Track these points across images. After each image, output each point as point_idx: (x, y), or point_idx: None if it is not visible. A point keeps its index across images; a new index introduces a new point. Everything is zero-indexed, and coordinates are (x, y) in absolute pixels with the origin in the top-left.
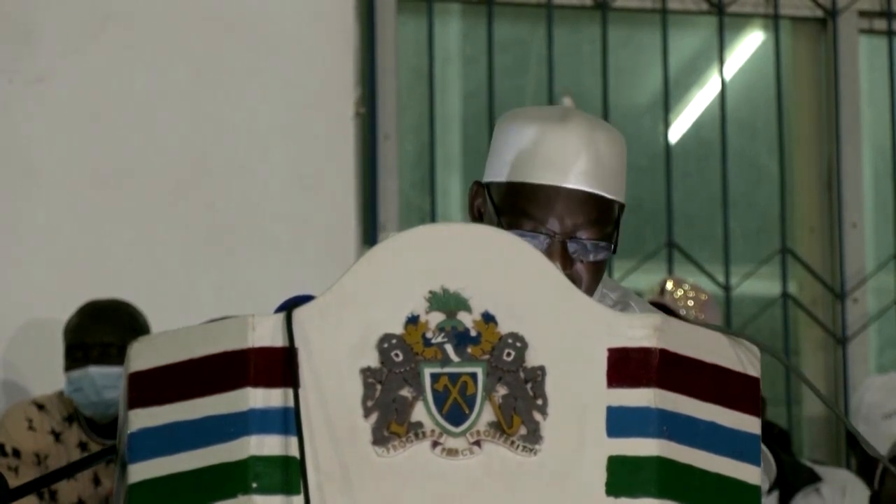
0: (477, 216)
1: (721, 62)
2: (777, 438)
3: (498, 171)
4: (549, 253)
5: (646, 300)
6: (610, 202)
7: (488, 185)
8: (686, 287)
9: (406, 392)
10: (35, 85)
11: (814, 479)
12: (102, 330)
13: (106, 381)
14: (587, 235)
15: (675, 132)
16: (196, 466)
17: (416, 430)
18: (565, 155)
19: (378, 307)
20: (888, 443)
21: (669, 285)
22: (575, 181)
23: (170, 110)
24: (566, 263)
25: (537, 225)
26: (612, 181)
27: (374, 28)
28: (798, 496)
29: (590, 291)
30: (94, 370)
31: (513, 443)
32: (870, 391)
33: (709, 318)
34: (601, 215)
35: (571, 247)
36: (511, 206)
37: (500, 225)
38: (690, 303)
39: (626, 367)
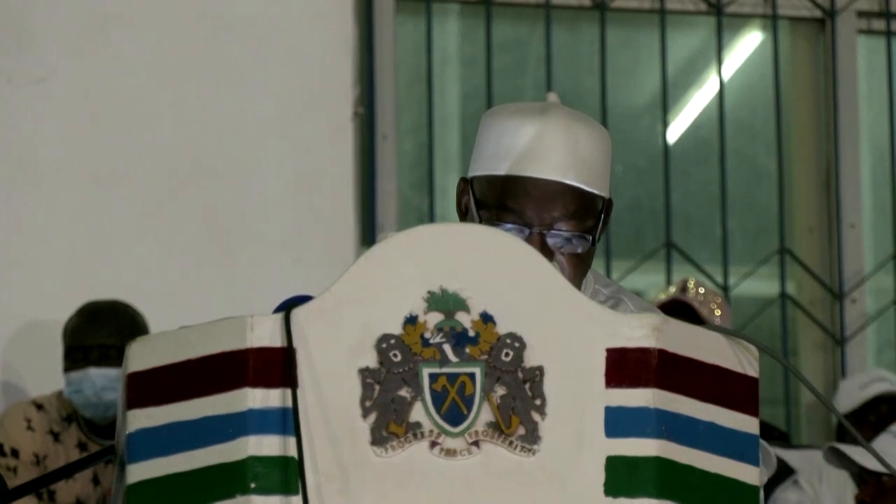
0: (464, 212)
1: (719, 62)
2: (777, 441)
3: (479, 166)
4: None
5: (664, 298)
6: (590, 195)
7: (472, 181)
8: (704, 289)
9: (404, 392)
10: (35, 85)
11: (788, 471)
12: (102, 332)
13: (106, 382)
14: (566, 228)
15: (674, 132)
16: (194, 467)
17: (414, 431)
18: (542, 147)
19: (376, 307)
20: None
21: (692, 287)
22: (552, 173)
23: (169, 110)
24: (546, 256)
25: (516, 218)
26: (591, 174)
27: (372, 28)
28: (776, 491)
29: (573, 284)
30: (94, 372)
31: (511, 443)
32: (846, 380)
33: (724, 320)
34: (580, 208)
35: (551, 239)
36: (490, 199)
37: (479, 219)
38: (712, 305)
39: (625, 367)
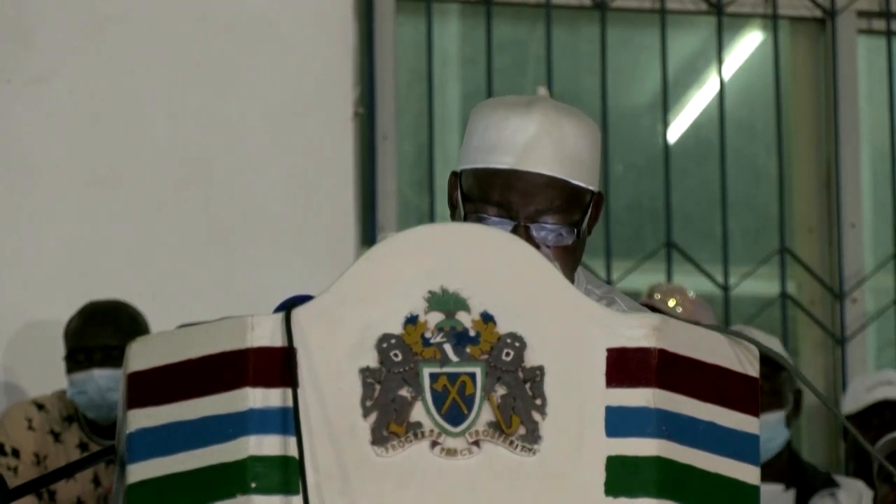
0: (455, 206)
1: (720, 62)
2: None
3: (465, 159)
4: None
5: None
6: (575, 188)
7: (460, 174)
8: (677, 297)
9: (405, 392)
10: (34, 85)
11: (831, 483)
12: (104, 332)
13: (109, 383)
14: (552, 221)
15: (674, 132)
16: (195, 467)
17: (415, 430)
18: (527, 140)
19: (377, 307)
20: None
21: (659, 297)
22: (536, 165)
23: (169, 110)
24: None
25: (501, 211)
26: (577, 167)
27: (372, 28)
28: (815, 498)
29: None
30: (98, 373)
31: (512, 443)
32: (857, 378)
33: (694, 316)
34: (566, 201)
35: (536, 232)
36: (476, 192)
37: (464, 212)
38: (680, 310)
39: (625, 366)
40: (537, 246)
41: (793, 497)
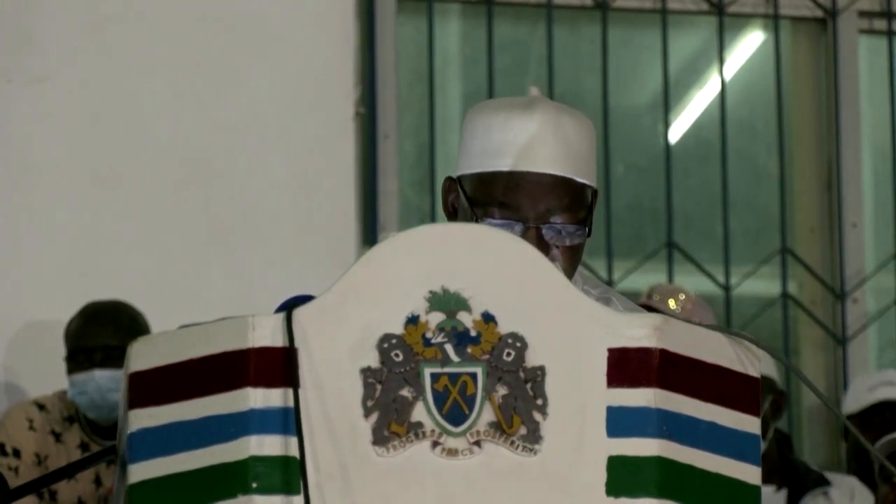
0: (451, 211)
1: (721, 62)
2: (779, 442)
3: (468, 163)
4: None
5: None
6: (581, 186)
7: (460, 179)
8: (677, 298)
9: (406, 392)
10: (35, 85)
11: (823, 482)
12: (105, 333)
13: (110, 383)
14: (561, 220)
15: (675, 132)
16: (196, 467)
17: (416, 430)
18: (532, 140)
19: (378, 307)
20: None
21: (658, 298)
22: (544, 166)
23: (169, 110)
24: (542, 249)
25: (511, 213)
26: (581, 165)
27: (373, 28)
28: (807, 497)
29: (567, 276)
30: (99, 374)
31: (513, 443)
32: (858, 378)
33: (702, 319)
34: (573, 199)
35: (546, 232)
36: (483, 196)
37: (473, 217)
38: (679, 310)
39: (626, 367)
40: (548, 246)
41: (784, 497)
